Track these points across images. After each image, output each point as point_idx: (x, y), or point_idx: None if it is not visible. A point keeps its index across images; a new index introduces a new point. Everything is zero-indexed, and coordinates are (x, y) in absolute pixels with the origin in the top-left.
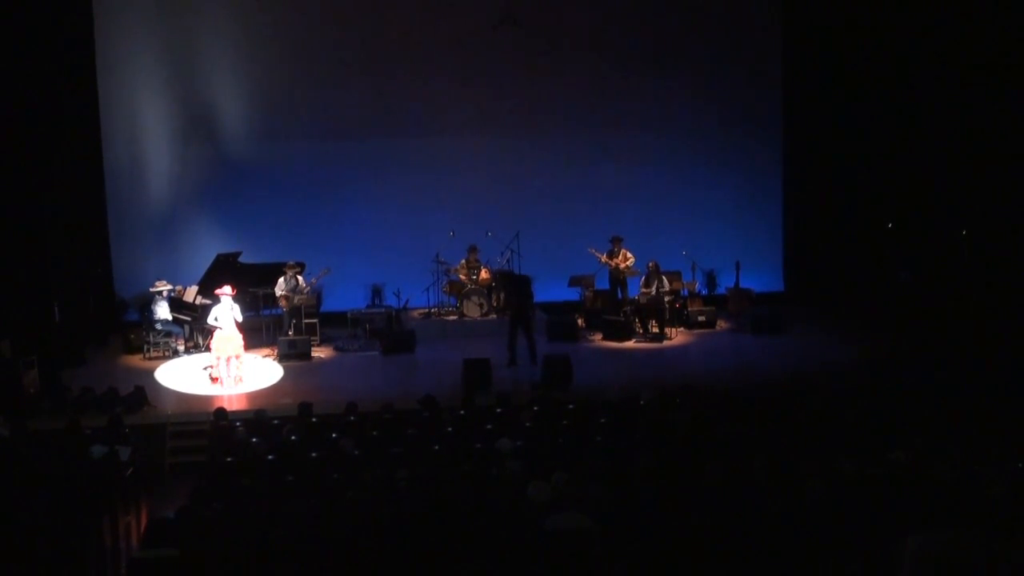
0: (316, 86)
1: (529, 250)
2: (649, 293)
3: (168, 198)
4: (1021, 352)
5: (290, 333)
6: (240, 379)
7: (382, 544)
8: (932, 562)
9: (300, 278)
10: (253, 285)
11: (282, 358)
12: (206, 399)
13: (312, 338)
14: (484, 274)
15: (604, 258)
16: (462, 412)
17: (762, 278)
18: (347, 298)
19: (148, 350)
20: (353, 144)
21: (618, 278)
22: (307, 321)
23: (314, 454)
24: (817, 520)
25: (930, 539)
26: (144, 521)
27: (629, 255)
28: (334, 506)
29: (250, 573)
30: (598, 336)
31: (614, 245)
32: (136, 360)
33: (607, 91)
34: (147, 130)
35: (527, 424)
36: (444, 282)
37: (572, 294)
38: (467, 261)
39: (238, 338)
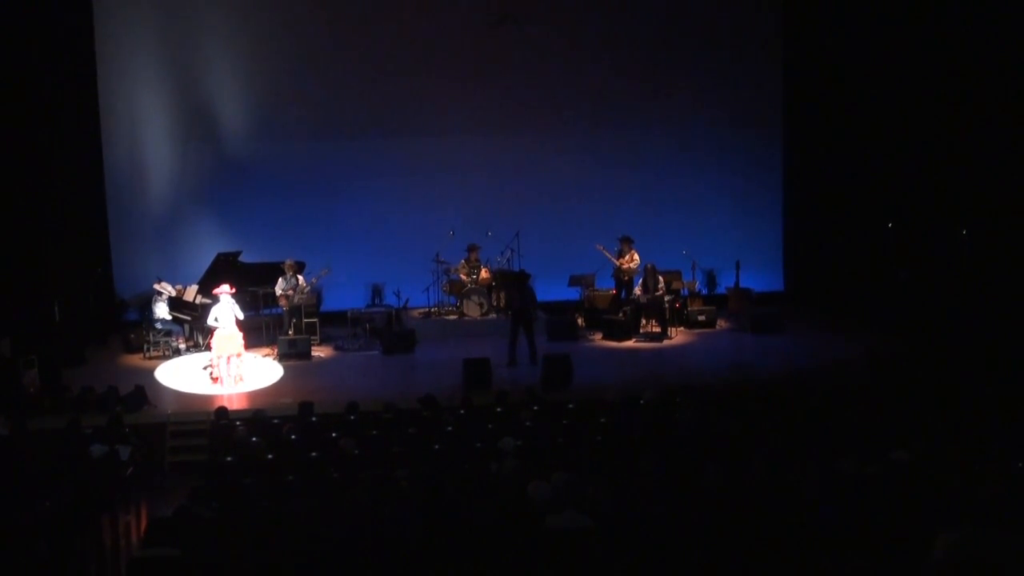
0: (316, 86)
1: (529, 250)
2: (644, 295)
3: (168, 198)
4: (1021, 352)
5: (290, 332)
6: (240, 378)
7: (382, 544)
8: (963, 560)
9: (300, 277)
10: (253, 285)
11: (282, 357)
12: (206, 399)
13: (312, 337)
14: (484, 274)
15: (617, 260)
16: (462, 412)
17: (762, 278)
18: (347, 298)
19: (148, 350)
20: (353, 144)
21: (622, 278)
22: (307, 320)
23: (314, 454)
24: (817, 520)
25: (961, 537)
26: (144, 521)
27: (636, 256)
28: (334, 506)
29: (250, 573)
30: (598, 336)
31: (622, 245)
32: (136, 360)
33: (607, 91)
34: (147, 130)
35: (527, 424)
36: (444, 282)
37: (572, 294)
38: (467, 261)
39: (238, 337)
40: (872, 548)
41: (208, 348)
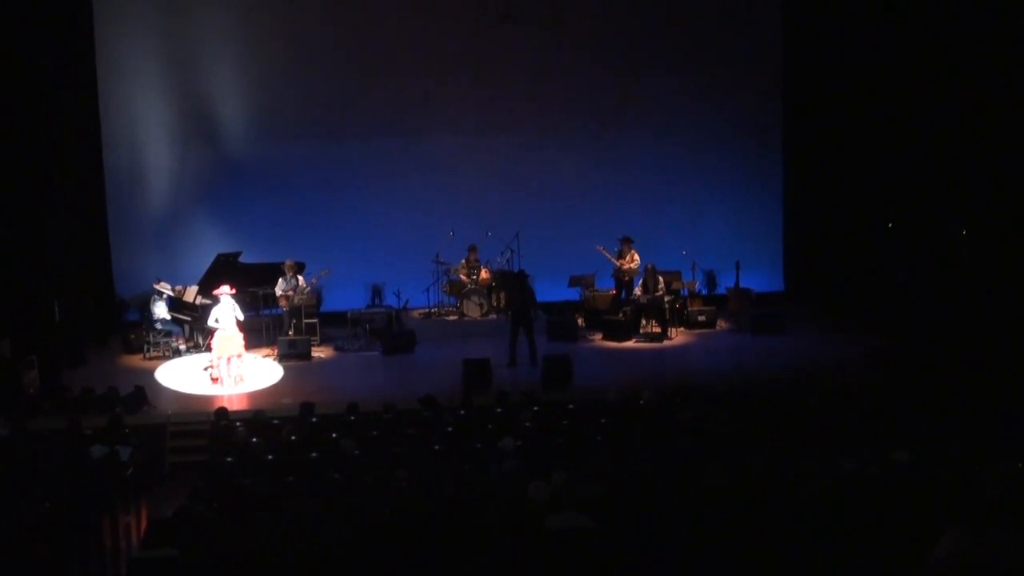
0: (316, 86)
1: (529, 250)
2: (644, 295)
3: (168, 198)
4: (1021, 352)
5: (290, 333)
6: (240, 378)
7: (382, 544)
8: (964, 561)
9: (300, 278)
10: (253, 285)
11: (282, 358)
12: (206, 399)
13: (312, 338)
14: (484, 274)
15: (618, 260)
16: (462, 412)
17: (762, 278)
18: (347, 298)
19: (148, 350)
20: (353, 144)
21: (622, 279)
22: (307, 321)
23: (314, 454)
24: (817, 520)
25: (962, 537)
26: (144, 521)
27: (636, 256)
28: (334, 506)
29: (250, 573)
30: (598, 336)
31: (622, 245)
32: (136, 360)
33: (607, 91)
34: (147, 130)
35: (527, 424)
36: (444, 282)
37: (572, 294)
38: (467, 261)
39: (239, 337)
40: (872, 548)
41: (208, 349)
